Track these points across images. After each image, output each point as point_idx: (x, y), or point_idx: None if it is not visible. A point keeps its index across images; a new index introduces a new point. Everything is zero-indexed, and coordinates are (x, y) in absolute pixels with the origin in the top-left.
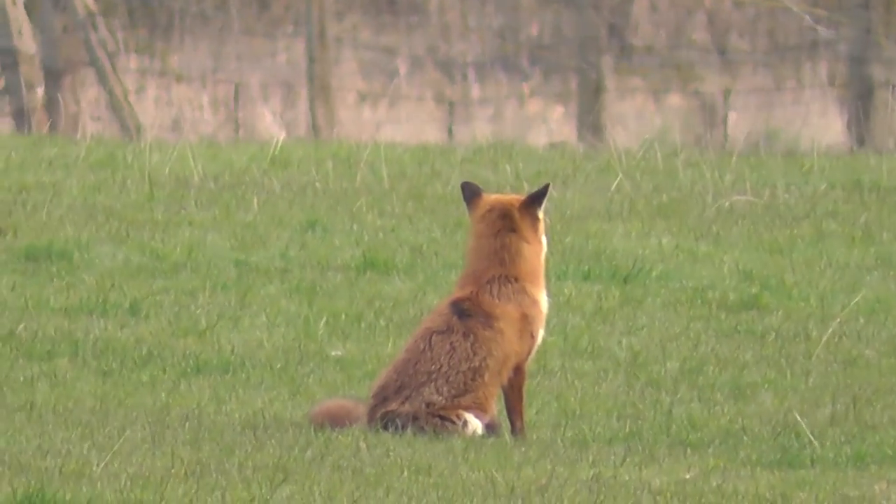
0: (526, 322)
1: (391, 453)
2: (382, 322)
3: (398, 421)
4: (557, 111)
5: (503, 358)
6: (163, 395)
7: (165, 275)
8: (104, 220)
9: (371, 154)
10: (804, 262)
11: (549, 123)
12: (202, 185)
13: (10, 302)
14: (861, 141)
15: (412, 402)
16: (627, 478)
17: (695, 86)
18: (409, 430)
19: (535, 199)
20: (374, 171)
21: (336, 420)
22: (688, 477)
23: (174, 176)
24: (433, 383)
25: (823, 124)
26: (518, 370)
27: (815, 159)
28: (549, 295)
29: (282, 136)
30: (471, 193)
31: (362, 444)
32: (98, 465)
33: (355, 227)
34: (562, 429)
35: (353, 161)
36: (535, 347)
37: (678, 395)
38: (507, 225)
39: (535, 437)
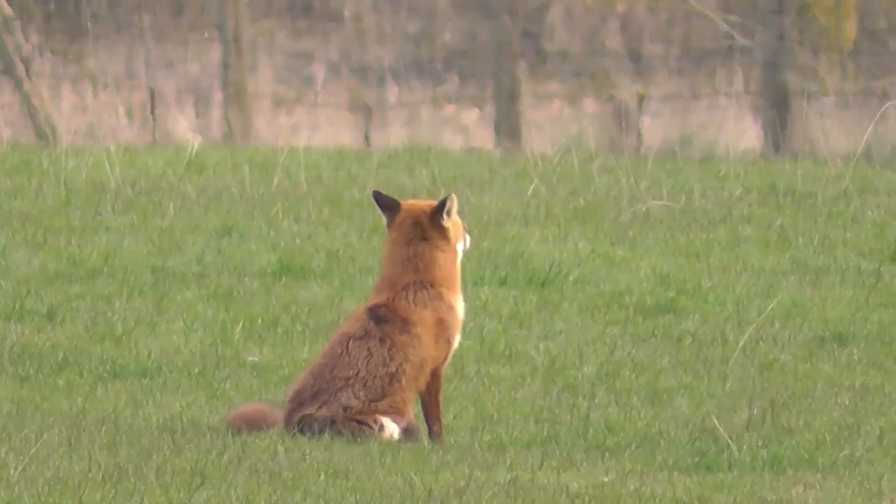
0: (442, 327)
1: (308, 457)
2: (299, 327)
3: (315, 425)
4: (473, 116)
5: (420, 363)
6: (79, 399)
7: (82, 280)
8: (20, 226)
9: (287, 159)
10: (720, 267)
11: (465, 129)
12: (118, 191)
13: None
14: (777, 147)
15: (329, 407)
16: (545, 481)
17: (610, 91)
18: (326, 434)
19: (437, 210)
20: (291, 176)
21: (253, 424)
22: (606, 480)
23: (90, 181)
24: (350, 388)
25: (739, 130)
26: (435, 375)
27: (730, 165)
28: (465, 300)
29: (197, 141)
30: (386, 203)
31: (280, 448)
32: (15, 468)
33: (272, 232)
34: (479, 433)
35: (269, 166)
36: (452, 352)
37: (595, 400)
38: (419, 233)
39: (452, 441)
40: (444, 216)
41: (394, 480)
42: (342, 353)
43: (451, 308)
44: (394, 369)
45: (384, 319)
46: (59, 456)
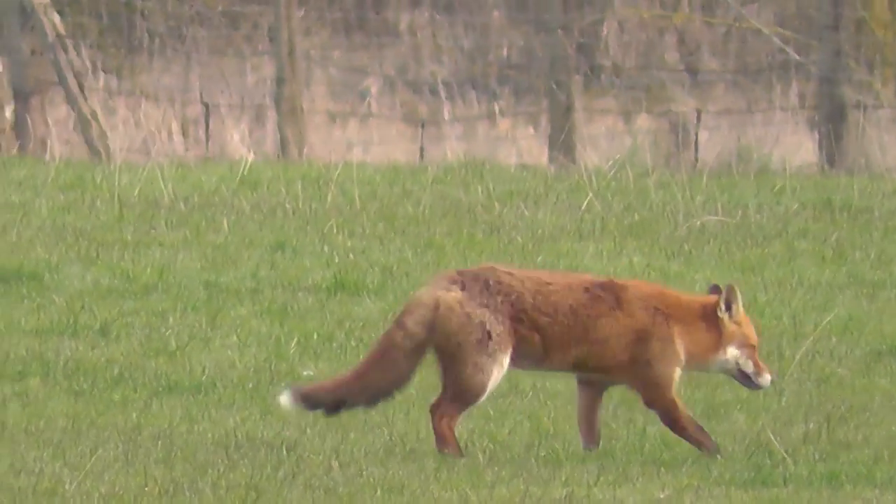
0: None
1: (363, 472)
2: (353, 342)
3: None
4: (528, 131)
5: None
6: (134, 415)
7: (136, 296)
8: (74, 241)
9: (341, 174)
10: (776, 281)
11: (518, 143)
12: (172, 206)
13: None
14: (832, 161)
15: None
16: (601, 497)
17: (665, 106)
18: None
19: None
20: (345, 192)
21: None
22: (661, 496)
23: (144, 197)
24: None
25: (794, 144)
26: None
27: (786, 179)
28: None
29: (251, 156)
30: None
31: (334, 463)
32: (71, 484)
33: (326, 248)
34: (535, 448)
35: (323, 182)
36: None
37: (652, 415)
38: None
39: (507, 456)
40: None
41: (449, 496)
42: None
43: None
44: None
45: None
46: (115, 471)
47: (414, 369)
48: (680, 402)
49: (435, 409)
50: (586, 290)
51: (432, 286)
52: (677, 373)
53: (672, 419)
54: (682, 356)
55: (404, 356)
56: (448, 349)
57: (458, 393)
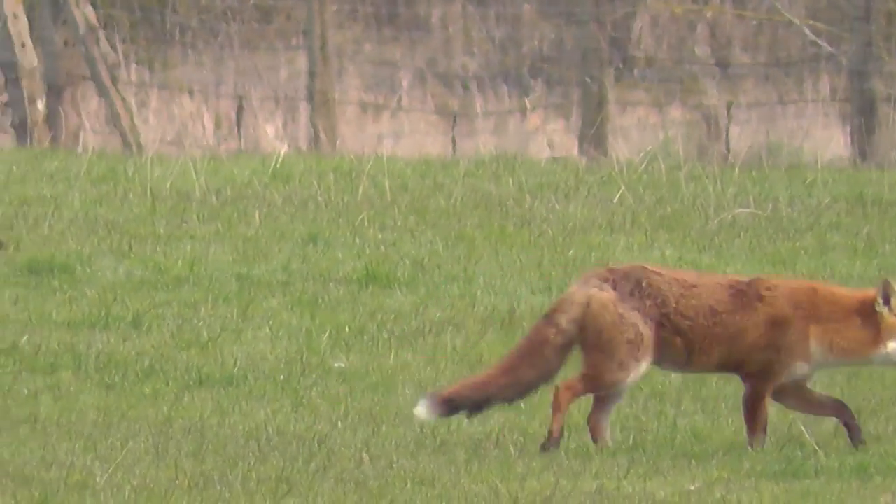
0: None
1: (394, 465)
2: (385, 335)
3: None
4: (559, 124)
5: None
6: (165, 407)
7: (167, 288)
8: (106, 234)
9: (373, 167)
10: (807, 275)
11: (550, 136)
12: (204, 199)
13: (13, 315)
14: (863, 154)
15: None
16: (631, 490)
17: (697, 99)
18: None
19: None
20: (376, 185)
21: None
22: (692, 488)
23: (176, 190)
24: None
25: (826, 137)
26: None
27: (817, 172)
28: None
29: (283, 149)
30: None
31: (365, 456)
32: (101, 476)
33: (357, 240)
34: (565, 441)
35: (354, 174)
36: None
37: (682, 407)
38: None
39: (538, 448)
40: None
41: (479, 488)
42: None
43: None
44: None
45: None
46: (146, 464)
47: (561, 365)
48: (769, 392)
49: (563, 384)
50: (730, 289)
51: (583, 284)
52: (797, 366)
53: (755, 401)
54: (816, 354)
55: (554, 352)
56: (598, 345)
57: (593, 380)
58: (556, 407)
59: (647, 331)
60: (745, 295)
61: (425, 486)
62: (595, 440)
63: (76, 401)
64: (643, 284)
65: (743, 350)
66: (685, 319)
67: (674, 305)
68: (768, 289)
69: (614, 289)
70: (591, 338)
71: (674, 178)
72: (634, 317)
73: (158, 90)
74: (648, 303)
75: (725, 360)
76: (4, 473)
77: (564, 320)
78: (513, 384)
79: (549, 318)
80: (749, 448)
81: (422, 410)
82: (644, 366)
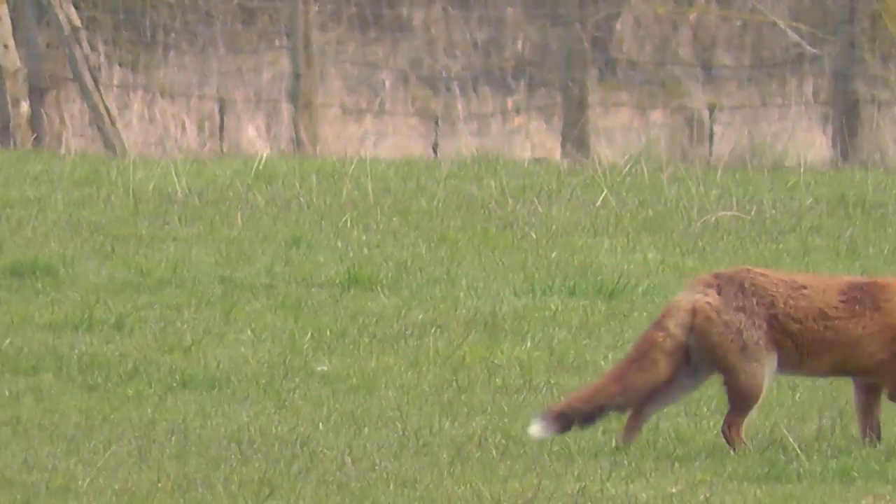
0: None
1: (376, 467)
2: (366, 338)
3: None
4: (541, 126)
5: None
6: (148, 409)
7: (150, 290)
8: (89, 236)
9: (356, 169)
10: None
11: (532, 138)
12: (186, 201)
13: None
14: (846, 156)
15: None
16: (614, 492)
17: (680, 101)
18: None
19: None
20: (359, 187)
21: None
22: (674, 491)
23: (158, 191)
24: None
25: (808, 139)
26: None
27: (800, 174)
28: (534, 309)
29: (266, 151)
30: None
31: (347, 458)
32: (84, 480)
33: (340, 242)
34: (547, 443)
35: (337, 176)
36: None
37: (664, 410)
38: None
39: (520, 451)
40: None
41: (462, 490)
42: None
43: None
44: None
45: None
46: (129, 467)
47: (673, 371)
48: None
49: (725, 421)
50: (841, 292)
51: (690, 290)
52: None
53: None
54: None
55: (664, 356)
56: (713, 358)
57: (737, 400)
58: (732, 445)
59: (757, 331)
60: (859, 302)
61: (407, 488)
62: (625, 441)
63: (58, 403)
64: (746, 286)
65: (862, 359)
66: (793, 322)
67: (782, 307)
68: (887, 299)
69: (719, 294)
70: (705, 349)
71: (657, 181)
72: (739, 320)
73: (141, 92)
74: (755, 300)
75: (841, 367)
76: None
77: (672, 325)
78: (623, 391)
79: (658, 323)
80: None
81: (537, 429)
82: (771, 361)
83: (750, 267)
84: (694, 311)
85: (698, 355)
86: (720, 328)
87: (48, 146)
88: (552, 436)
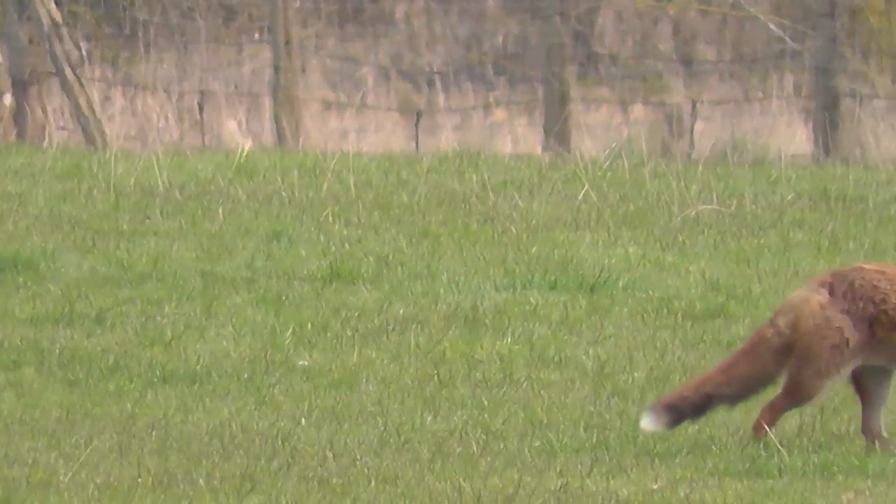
0: None
1: (357, 463)
2: (348, 332)
3: None
4: (522, 120)
5: None
6: (129, 405)
7: (131, 285)
8: (70, 230)
9: (337, 163)
10: (771, 272)
11: (514, 133)
12: (167, 195)
13: None
14: (827, 151)
15: None
16: (595, 488)
17: (661, 96)
18: None
19: None
20: (341, 181)
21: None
22: (655, 487)
23: (139, 186)
24: None
25: (790, 134)
26: None
27: (781, 169)
28: (514, 304)
29: (247, 145)
30: None
31: (329, 454)
32: (65, 474)
33: (321, 237)
34: (529, 438)
35: (318, 170)
36: None
37: (645, 405)
38: None
39: (501, 446)
40: None
41: (443, 486)
42: None
43: None
44: None
45: None
46: (110, 461)
47: (778, 370)
48: None
49: (768, 404)
50: None
51: (805, 288)
52: None
53: None
54: None
55: (770, 352)
56: (800, 350)
57: (792, 392)
58: (757, 429)
59: (854, 335)
60: None
61: (388, 484)
62: (874, 444)
63: (39, 398)
64: (856, 285)
65: None
66: None
67: (894, 301)
68: None
69: (830, 293)
70: (799, 342)
71: (637, 176)
72: (842, 320)
73: (122, 86)
74: (861, 304)
75: None
76: None
77: (782, 322)
78: (729, 382)
79: (771, 320)
80: None
81: (647, 422)
82: (845, 372)
83: (864, 264)
84: (801, 310)
85: (793, 347)
86: (820, 322)
87: (31, 140)
88: (663, 429)
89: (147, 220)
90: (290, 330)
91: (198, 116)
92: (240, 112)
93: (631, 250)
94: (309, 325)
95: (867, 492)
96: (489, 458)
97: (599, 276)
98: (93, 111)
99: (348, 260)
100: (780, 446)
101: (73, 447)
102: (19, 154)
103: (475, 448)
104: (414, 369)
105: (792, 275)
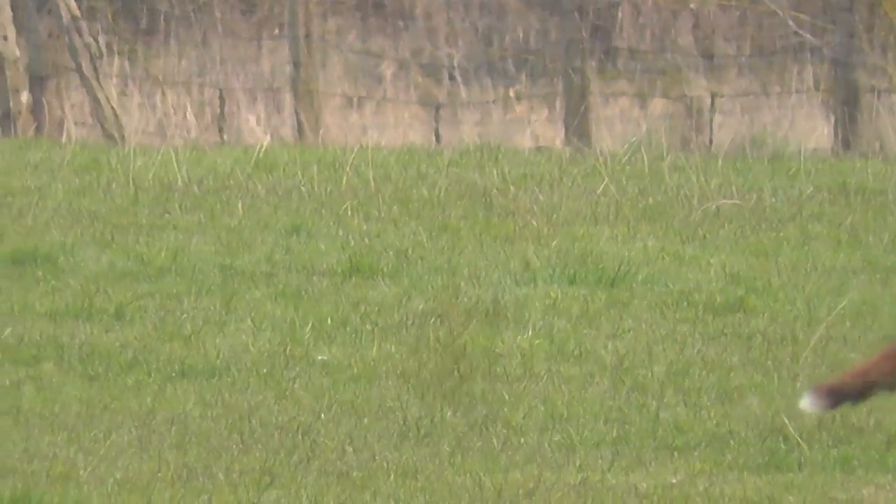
0: None
1: (377, 457)
2: (368, 326)
3: None
4: (543, 114)
5: None
6: (148, 399)
7: (150, 279)
8: (89, 224)
9: (357, 157)
10: (790, 265)
11: (534, 127)
12: (186, 190)
13: None
14: (846, 144)
15: None
16: (614, 482)
17: (680, 90)
18: None
19: None
20: (360, 175)
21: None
22: (674, 481)
23: (158, 180)
24: None
25: (809, 128)
26: None
27: (801, 163)
28: (534, 298)
29: (266, 140)
30: None
31: (348, 448)
32: (85, 469)
33: (341, 231)
34: (549, 433)
35: (338, 165)
36: None
37: (664, 399)
38: None
39: (522, 440)
40: None
41: (463, 480)
42: None
43: None
44: None
45: None
46: (129, 456)
47: None
48: None
49: None
50: None
51: None
52: None
53: None
54: None
55: None
56: None
57: None
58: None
59: None
60: None
61: (409, 478)
62: None
63: (59, 392)
64: None
65: None
66: None
67: None
68: None
69: None
70: None
71: (657, 169)
72: None
73: (140, 81)
74: None
75: None
76: None
77: None
78: (893, 370)
79: None
80: None
81: (808, 403)
82: None
83: None
84: None
85: None
86: None
87: (49, 135)
88: (824, 411)
89: (166, 215)
90: (310, 324)
91: (217, 111)
92: (259, 106)
93: (650, 244)
94: (328, 320)
95: (887, 486)
96: (509, 453)
97: (619, 269)
98: (111, 106)
99: (368, 254)
100: (799, 440)
101: (93, 441)
102: (38, 148)
103: (495, 442)
104: (433, 364)
105: (811, 268)
